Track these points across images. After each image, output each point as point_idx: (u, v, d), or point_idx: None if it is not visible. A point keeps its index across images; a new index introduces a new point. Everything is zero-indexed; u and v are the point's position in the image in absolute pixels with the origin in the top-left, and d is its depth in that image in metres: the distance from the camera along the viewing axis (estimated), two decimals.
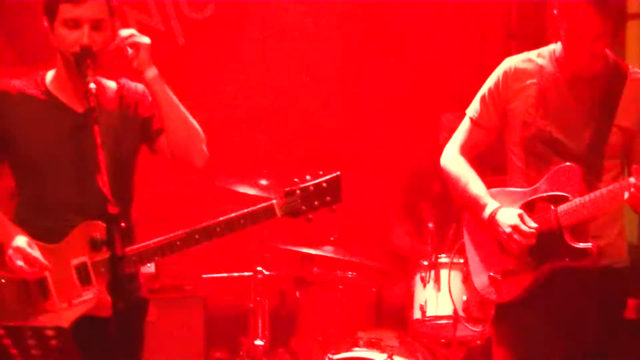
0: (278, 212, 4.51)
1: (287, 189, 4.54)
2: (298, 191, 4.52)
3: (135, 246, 4.44)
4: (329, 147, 8.36)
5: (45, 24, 4.55)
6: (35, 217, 4.60)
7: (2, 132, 4.60)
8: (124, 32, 4.47)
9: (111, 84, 4.76)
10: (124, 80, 4.81)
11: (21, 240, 4.44)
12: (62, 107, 4.62)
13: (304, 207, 4.52)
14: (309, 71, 8.43)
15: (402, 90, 8.42)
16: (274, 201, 4.52)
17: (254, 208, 4.51)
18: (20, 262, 4.39)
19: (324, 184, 4.53)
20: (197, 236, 4.47)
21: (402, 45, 8.47)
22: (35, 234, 4.53)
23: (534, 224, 4.66)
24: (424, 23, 8.49)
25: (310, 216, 4.53)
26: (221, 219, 4.49)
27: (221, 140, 8.15)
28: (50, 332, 3.56)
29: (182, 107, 4.65)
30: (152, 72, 4.52)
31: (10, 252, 4.42)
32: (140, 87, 4.80)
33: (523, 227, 4.66)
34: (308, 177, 4.55)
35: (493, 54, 8.20)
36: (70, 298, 4.48)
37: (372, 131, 8.43)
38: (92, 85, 4.28)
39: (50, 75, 4.69)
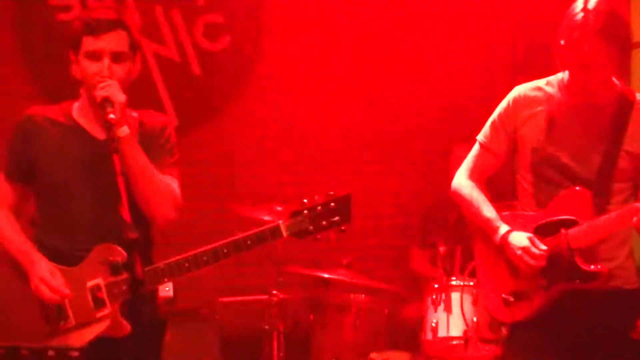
0: (284, 232, 4.45)
1: (293, 210, 4.48)
2: (305, 211, 4.46)
3: (146, 268, 4.41)
4: (347, 176, 8.41)
5: (71, 56, 4.59)
6: (53, 240, 4.62)
7: (27, 155, 4.64)
8: (100, 90, 4.40)
9: (132, 114, 4.74)
10: (145, 111, 4.83)
11: (44, 269, 4.46)
12: (84, 134, 4.64)
13: (311, 228, 4.45)
14: (322, 101, 8.45)
15: (417, 123, 8.49)
16: (280, 222, 4.46)
17: (260, 229, 4.46)
18: (44, 290, 4.41)
19: (332, 204, 4.46)
20: (205, 258, 4.44)
21: (416, 81, 8.53)
22: (52, 258, 4.55)
23: (544, 247, 4.63)
24: (436, 60, 8.56)
25: (318, 236, 4.46)
26: (228, 240, 4.45)
27: (235, 169, 8.24)
28: (73, 353, 3.58)
29: (151, 170, 4.53)
30: (124, 131, 4.39)
31: (36, 280, 4.44)
32: (160, 118, 4.86)
33: (534, 249, 4.64)
34: (316, 197, 4.49)
35: (501, 88, 8.29)
36: (86, 319, 4.48)
37: (390, 161, 8.47)
38: (112, 116, 4.30)
39: (75, 105, 4.71)
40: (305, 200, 4.52)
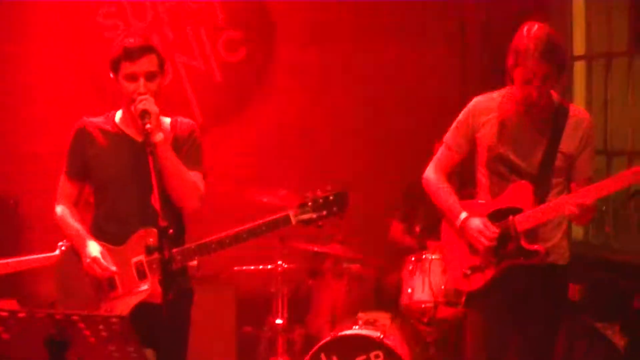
0: (293, 220, 4.54)
1: (300, 201, 4.56)
2: (310, 203, 4.54)
3: (180, 248, 4.51)
4: (347, 165, 8.40)
5: (112, 75, 4.66)
6: (107, 224, 4.71)
7: (85, 158, 4.74)
8: (139, 104, 4.49)
9: (166, 120, 4.80)
10: (178, 118, 4.88)
11: (95, 250, 4.59)
12: (126, 138, 4.71)
13: (314, 216, 4.53)
14: (325, 104, 8.47)
15: (405, 122, 8.48)
16: (290, 212, 4.54)
17: (273, 217, 4.55)
18: (95, 268, 4.54)
19: (332, 197, 4.54)
20: (228, 240, 4.52)
21: (404, 88, 8.53)
22: (106, 239, 4.66)
23: (495, 230, 4.76)
24: (418, 68, 8.56)
25: (320, 224, 4.56)
26: (247, 226, 4.53)
27: (249, 160, 8.31)
28: (114, 320, 3.67)
29: (181, 168, 4.61)
30: (159, 137, 4.47)
31: (88, 260, 4.56)
32: (190, 126, 4.87)
33: (487, 232, 4.78)
34: (318, 191, 4.57)
35: (473, 91, 8.29)
36: (131, 289, 4.60)
37: (381, 153, 8.49)
38: (149, 126, 4.39)
39: (119, 113, 4.80)
40: (309, 193, 4.61)
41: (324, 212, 4.55)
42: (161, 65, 4.65)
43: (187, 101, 8.23)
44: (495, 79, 5.23)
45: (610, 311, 6.67)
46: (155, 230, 4.14)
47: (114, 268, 4.57)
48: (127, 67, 4.57)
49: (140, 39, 4.63)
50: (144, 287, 4.59)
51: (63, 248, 4.95)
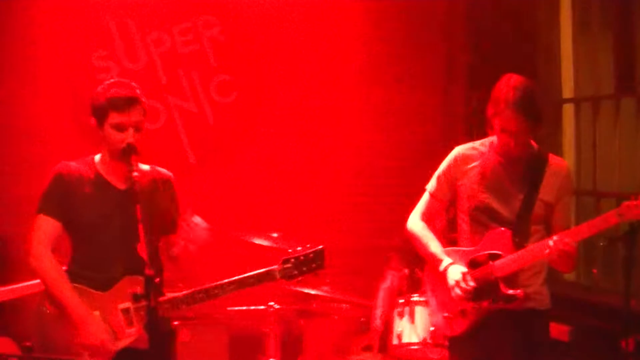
0: (277, 275, 4.80)
1: (283, 258, 4.82)
2: (292, 260, 4.81)
3: (168, 296, 4.65)
4: (338, 206, 8.52)
5: (93, 122, 4.74)
6: (87, 270, 4.76)
7: (65, 203, 4.76)
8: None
9: (145, 167, 4.89)
10: (156, 167, 5.00)
11: (101, 331, 4.65)
12: (108, 186, 4.80)
13: (295, 272, 4.82)
14: (315, 145, 8.57)
15: (395, 164, 8.62)
16: (275, 267, 4.78)
17: (258, 272, 4.78)
18: (93, 352, 4.63)
19: (311, 255, 4.84)
20: (215, 292, 4.72)
21: (387, 130, 8.68)
22: (86, 284, 4.73)
23: (472, 283, 4.87)
24: (409, 114, 8.70)
25: (299, 279, 4.84)
26: (234, 278, 4.75)
27: (240, 201, 8.40)
28: None
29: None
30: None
31: (89, 341, 4.63)
32: (168, 174, 5.02)
33: (462, 284, 4.89)
34: (299, 249, 4.84)
35: (459, 136, 8.29)
36: (117, 334, 4.71)
37: (372, 194, 8.58)
38: (135, 173, 4.52)
39: (97, 158, 4.85)
40: (290, 250, 4.89)
41: (304, 269, 4.83)
42: (145, 113, 4.77)
43: (180, 142, 8.33)
44: (478, 125, 5.34)
45: (596, 353, 6.77)
46: (140, 278, 4.28)
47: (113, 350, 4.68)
48: (115, 117, 4.66)
49: (127, 89, 4.73)
50: (130, 332, 4.71)
51: None
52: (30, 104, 8.11)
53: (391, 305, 6.89)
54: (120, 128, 4.67)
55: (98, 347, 4.63)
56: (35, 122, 8.12)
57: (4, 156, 8.05)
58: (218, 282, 4.74)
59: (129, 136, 4.66)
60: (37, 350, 4.67)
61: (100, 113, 4.71)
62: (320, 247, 4.90)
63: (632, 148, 7.39)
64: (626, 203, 4.65)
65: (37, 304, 4.83)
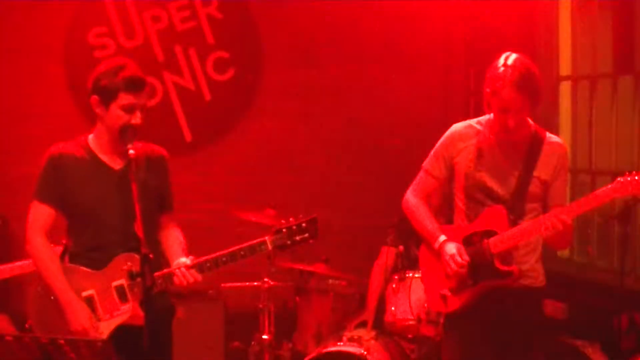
0: (269, 245, 4.80)
1: (276, 228, 4.84)
2: (284, 229, 4.82)
3: (161, 272, 4.66)
4: (332, 185, 8.61)
5: (94, 100, 4.70)
6: (88, 252, 4.79)
7: (60, 187, 4.77)
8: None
9: (138, 144, 4.82)
10: (149, 144, 5.00)
11: (84, 321, 4.69)
12: (103, 167, 4.79)
13: (288, 242, 4.83)
14: (312, 125, 8.63)
15: (386, 142, 8.69)
16: (267, 238, 4.79)
17: (251, 243, 4.78)
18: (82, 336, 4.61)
19: (304, 224, 4.84)
20: (207, 265, 4.72)
21: (388, 109, 8.70)
22: (85, 264, 4.77)
23: (466, 258, 4.89)
24: (404, 90, 8.71)
25: (294, 248, 4.88)
26: (225, 251, 4.75)
27: (238, 177, 8.43)
28: (98, 343, 3.81)
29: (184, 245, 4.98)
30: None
31: (76, 327, 4.67)
32: (161, 151, 5.03)
33: (458, 258, 4.89)
34: (291, 219, 4.85)
35: (456, 111, 8.46)
36: (112, 311, 4.74)
37: (367, 173, 8.67)
38: (132, 152, 4.56)
39: (91, 137, 4.83)
40: (283, 221, 4.89)
41: (298, 238, 4.84)
42: (150, 95, 4.91)
43: (176, 119, 8.39)
44: (477, 103, 5.34)
45: (591, 330, 6.82)
46: (136, 255, 4.35)
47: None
48: (125, 99, 4.65)
49: (138, 70, 4.75)
50: (125, 309, 4.74)
51: None
52: (28, 83, 8.18)
53: (380, 282, 7.00)
54: (129, 109, 4.67)
55: (81, 333, 4.65)
56: (33, 100, 8.19)
57: (3, 135, 8.10)
58: (210, 256, 4.76)
59: (137, 118, 4.69)
60: (35, 331, 4.74)
61: (109, 93, 4.67)
62: (314, 216, 4.90)
63: (628, 126, 7.42)
64: (619, 179, 4.66)
65: (35, 285, 4.87)
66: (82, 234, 4.85)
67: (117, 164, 4.82)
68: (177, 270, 4.69)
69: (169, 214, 5.05)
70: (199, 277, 4.72)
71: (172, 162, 5.07)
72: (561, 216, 4.71)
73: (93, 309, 4.75)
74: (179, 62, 8.34)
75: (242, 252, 4.77)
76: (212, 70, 8.42)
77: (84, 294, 4.75)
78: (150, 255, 4.22)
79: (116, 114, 4.67)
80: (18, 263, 6.02)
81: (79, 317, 4.68)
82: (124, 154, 4.69)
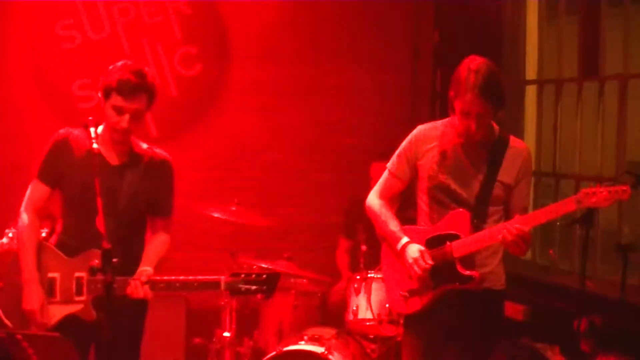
0: (222, 286, 4.80)
1: (234, 272, 4.89)
2: (242, 275, 4.83)
3: (120, 277, 4.57)
4: (294, 181, 8.62)
5: (99, 96, 4.85)
6: (71, 239, 4.90)
7: (60, 169, 4.90)
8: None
9: (143, 145, 5.05)
10: (154, 147, 5.11)
11: (36, 302, 4.77)
12: (100, 158, 4.80)
13: (242, 289, 4.81)
14: (278, 122, 8.62)
15: (352, 141, 8.72)
16: (222, 278, 4.80)
17: (205, 278, 4.82)
18: (31, 317, 4.76)
19: (264, 277, 4.84)
20: (161, 285, 4.79)
21: (352, 107, 8.75)
22: (62, 248, 4.88)
23: (430, 261, 4.88)
24: (368, 90, 8.77)
25: (244, 296, 5.02)
26: (181, 278, 4.83)
27: (201, 174, 8.41)
28: (54, 334, 3.82)
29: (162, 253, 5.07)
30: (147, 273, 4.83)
31: (28, 306, 4.76)
32: (165, 155, 5.14)
33: (421, 261, 4.89)
34: (254, 267, 4.91)
35: (421, 113, 8.54)
36: (66, 299, 4.81)
37: (329, 170, 8.69)
38: (95, 146, 4.58)
39: (99, 130, 4.84)
40: (244, 270, 5.03)
41: (253, 288, 4.83)
42: (150, 103, 4.88)
43: None
44: (442, 105, 5.34)
45: (551, 332, 6.86)
46: (99, 253, 4.30)
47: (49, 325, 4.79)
48: (116, 100, 4.76)
49: (138, 76, 4.78)
50: (78, 301, 4.81)
51: (10, 235, 5.38)
52: None
53: (346, 260, 7.47)
54: (119, 111, 4.76)
55: (28, 312, 4.75)
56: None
57: None
58: (166, 278, 4.83)
59: (124, 121, 4.77)
60: (4, 292, 4.89)
61: (106, 91, 4.80)
62: (277, 272, 4.94)
63: (592, 131, 7.49)
64: (584, 190, 4.67)
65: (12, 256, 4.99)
66: (67, 218, 4.98)
67: (114, 160, 4.94)
68: (132, 281, 4.73)
69: (163, 219, 5.14)
70: (150, 294, 4.77)
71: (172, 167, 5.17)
72: (516, 225, 4.71)
73: (52, 290, 4.84)
74: (145, 56, 8.30)
75: (195, 284, 4.83)
76: (179, 65, 8.44)
77: (50, 274, 4.86)
78: (114, 260, 4.23)
79: (108, 112, 4.81)
80: None
81: (31, 297, 4.76)
82: (123, 151, 4.89)
